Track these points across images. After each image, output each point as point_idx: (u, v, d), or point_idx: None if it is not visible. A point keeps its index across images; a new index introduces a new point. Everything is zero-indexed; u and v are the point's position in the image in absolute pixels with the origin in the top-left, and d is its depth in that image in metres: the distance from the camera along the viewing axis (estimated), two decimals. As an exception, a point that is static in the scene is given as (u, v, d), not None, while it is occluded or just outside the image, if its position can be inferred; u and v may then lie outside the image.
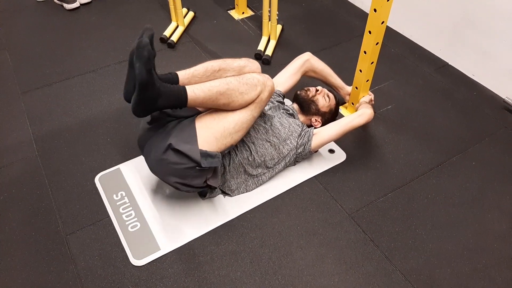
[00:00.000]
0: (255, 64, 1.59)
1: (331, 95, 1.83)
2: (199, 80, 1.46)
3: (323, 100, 1.79)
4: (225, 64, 1.53)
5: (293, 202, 1.63)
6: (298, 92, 1.82)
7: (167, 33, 2.49)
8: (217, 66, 1.51)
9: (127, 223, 1.54)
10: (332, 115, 1.83)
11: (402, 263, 1.45)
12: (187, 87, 1.35)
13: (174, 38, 2.46)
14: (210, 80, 1.42)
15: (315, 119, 1.80)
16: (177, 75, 1.46)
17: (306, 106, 1.79)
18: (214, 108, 1.42)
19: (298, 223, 1.56)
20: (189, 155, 1.35)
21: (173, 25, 2.57)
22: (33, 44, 2.45)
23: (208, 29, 2.61)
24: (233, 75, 1.45)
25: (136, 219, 1.55)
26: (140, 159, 1.74)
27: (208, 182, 1.47)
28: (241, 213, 1.58)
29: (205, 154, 1.37)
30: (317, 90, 1.80)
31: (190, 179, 1.42)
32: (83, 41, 2.48)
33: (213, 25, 2.65)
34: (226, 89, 1.35)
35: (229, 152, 1.55)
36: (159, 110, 1.38)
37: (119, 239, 1.49)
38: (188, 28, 2.62)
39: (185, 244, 1.49)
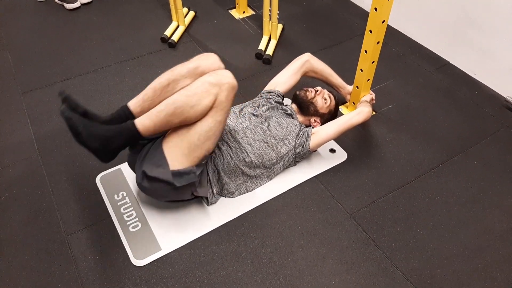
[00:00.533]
0: (209, 60, 1.47)
1: (331, 96, 1.82)
2: (152, 103, 1.42)
3: (322, 101, 1.78)
4: (174, 75, 1.45)
5: (294, 202, 1.63)
6: (297, 92, 1.81)
7: (167, 32, 2.49)
8: (166, 81, 1.44)
9: (128, 223, 1.54)
10: (331, 116, 1.82)
11: (403, 263, 1.45)
12: (136, 120, 1.34)
13: (175, 37, 2.46)
14: (163, 98, 1.38)
15: (314, 120, 1.79)
16: (127, 107, 1.45)
17: (305, 107, 1.78)
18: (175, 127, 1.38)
19: (299, 223, 1.56)
20: (162, 179, 1.35)
21: (173, 24, 2.56)
22: (34, 44, 2.45)
23: (209, 29, 2.61)
24: (184, 86, 1.39)
25: (137, 219, 1.55)
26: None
27: (196, 194, 1.48)
28: (242, 213, 1.58)
29: (177, 174, 1.36)
30: (316, 91, 1.79)
31: (175, 196, 1.47)
32: (83, 41, 2.48)
33: (213, 25, 2.65)
34: (174, 109, 1.31)
35: (222, 156, 1.55)
36: (122, 149, 1.41)
37: (120, 239, 1.49)
38: (189, 27, 2.62)
39: (186, 244, 1.49)
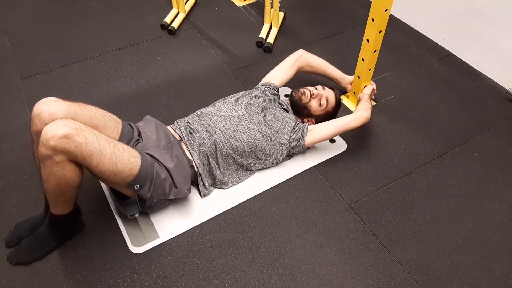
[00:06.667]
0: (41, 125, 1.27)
1: (331, 97, 1.74)
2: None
3: (317, 105, 1.72)
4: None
5: (293, 191, 1.63)
6: (294, 93, 1.76)
7: (167, 19, 2.46)
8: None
9: (126, 210, 1.54)
10: (328, 117, 1.76)
11: (401, 253, 1.45)
12: (51, 210, 1.35)
13: (175, 24, 2.43)
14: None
15: (308, 119, 1.76)
16: (44, 214, 1.46)
17: (298, 110, 1.75)
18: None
19: (297, 213, 1.56)
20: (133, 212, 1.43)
21: (174, 11, 2.54)
22: (33, 30, 2.43)
23: (210, 16, 2.58)
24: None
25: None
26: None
27: (175, 196, 1.45)
28: (241, 202, 1.58)
29: (124, 205, 1.42)
30: (312, 95, 1.73)
31: (165, 202, 1.49)
32: (83, 27, 2.46)
33: (214, 12, 2.62)
34: (53, 190, 1.26)
35: (215, 145, 1.53)
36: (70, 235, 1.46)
37: (119, 227, 1.49)
38: (189, 14, 2.59)
39: (184, 232, 1.49)
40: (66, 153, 1.17)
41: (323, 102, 1.72)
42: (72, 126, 1.18)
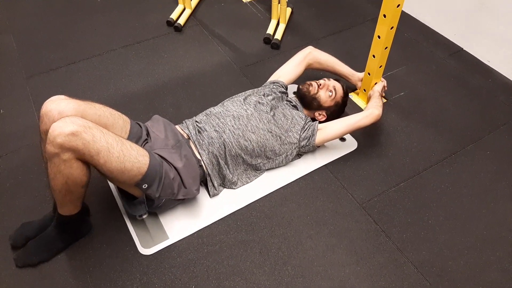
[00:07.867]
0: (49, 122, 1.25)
1: (338, 86, 1.72)
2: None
3: (327, 95, 1.70)
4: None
5: (303, 191, 1.60)
6: (300, 87, 1.74)
7: (173, 16, 2.43)
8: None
9: (135, 211, 1.52)
10: (338, 108, 1.74)
11: (414, 254, 1.42)
12: (58, 210, 1.33)
13: (181, 21, 2.41)
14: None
15: (319, 113, 1.73)
16: (53, 213, 1.44)
17: (307, 102, 1.72)
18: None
19: (308, 213, 1.53)
20: (140, 212, 1.42)
21: (180, 7, 2.51)
22: (38, 28, 2.41)
23: (216, 12, 2.55)
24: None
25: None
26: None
27: (184, 196, 1.43)
28: (250, 202, 1.56)
29: (132, 206, 1.40)
30: (319, 85, 1.70)
31: (174, 202, 1.47)
32: (88, 25, 2.44)
33: (221, 8, 2.59)
34: (60, 190, 1.24)
35: (224, 145, 1.51)
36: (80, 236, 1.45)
37: (127, 228, 1.48)
38: (195, 11, 2.56)
39: (194, 233, 1.47)
40: (73, 151, 1.15)
41: (332, 90, 1.70)
42: (79, 123, 1.16)
